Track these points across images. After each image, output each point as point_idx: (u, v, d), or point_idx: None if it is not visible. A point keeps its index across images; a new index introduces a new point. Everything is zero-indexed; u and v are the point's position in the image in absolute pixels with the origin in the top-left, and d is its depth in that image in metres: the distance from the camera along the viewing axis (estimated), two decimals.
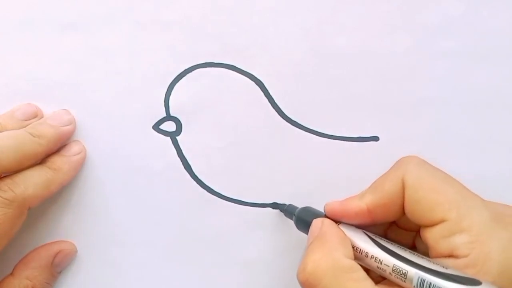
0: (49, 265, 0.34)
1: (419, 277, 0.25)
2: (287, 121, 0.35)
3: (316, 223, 0.30)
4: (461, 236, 0.26)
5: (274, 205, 0.36)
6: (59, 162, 0.34)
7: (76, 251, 0.36)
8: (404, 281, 0.26)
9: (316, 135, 0.36)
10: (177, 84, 0.35)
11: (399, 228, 0.31)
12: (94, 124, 0.35)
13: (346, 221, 0.30)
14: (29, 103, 0.35)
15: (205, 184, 0.36)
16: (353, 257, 0.27)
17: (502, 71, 0.35)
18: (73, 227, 0.36)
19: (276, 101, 0.35)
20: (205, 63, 0.35)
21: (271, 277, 0.36)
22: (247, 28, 0.35)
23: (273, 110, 0.35)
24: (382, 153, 0.36)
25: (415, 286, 0.25)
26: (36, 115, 0.34)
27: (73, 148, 0.34)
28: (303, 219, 0.32)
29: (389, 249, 0.27)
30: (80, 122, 0.35)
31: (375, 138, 0.36)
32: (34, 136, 0.32)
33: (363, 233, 0.29)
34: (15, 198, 0.31)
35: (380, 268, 0.27)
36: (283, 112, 0.35)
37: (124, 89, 0.35)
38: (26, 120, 0.34)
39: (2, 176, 0.31)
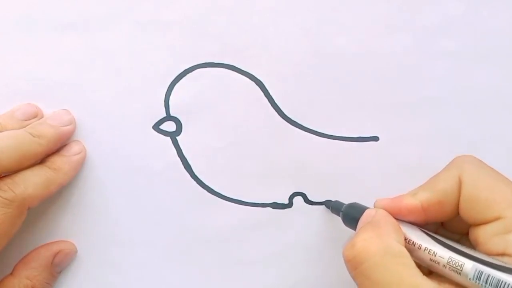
0: (49, 265, 0.34)
1: (476, 269, 0.25)
2: (287, 121, 0.35)
3: (370, 212, 0.30)
4: None
5: (274, 205, 0.36)
6: (59, 162, 0.34)
7: (76, 251, 0.36)
8: (460, 273, 0.26)
9: (316, 135, 0.36)
10: (177, 84, 0.35)
11: (445, 231, 0.31)
12: (94, 124, 0.35)
13: (398, 218, 0.29)
14: (29, 103, 0.35)
15: (205, 184, 0.36)
16: (404, 245, 0.27)
17: (502, 71, 0.35)
18: (73, 227, 0.36)
19: (276, 101, 0.35)
20: (205, 63, 0.35)
21: (271, 277, 0.36)
22: (247, 28, 0.35)
23: (273, 110, 0.35)
24: (382, 153, 0.36)
25: (471, 279, 0.25)
26: (36, 115, 0.34)
27: (73, 148, 0.34)
28: (351, 213, 0.31)
29: (444, 242, 0.27)
30: (80, 122, 0.35)
31: (375, 138, 0.36)
32: (34, 136, 0.32)
33: (417, 228, 0.29)
34: (15, 198, 0.31)
35: (434, 261, 0.27)
36: (283, 112, 0.35)
37: (124, 89, 0.35)
38: (26, 120, 0.34)
39: (2, 176, 0.31)
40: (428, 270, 0.28)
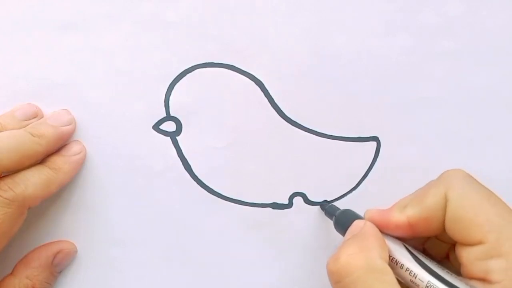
0: (49, 264, 0.34)
1: None
2: (287, 121, 0.35)
3: (358, 223, 0.30)
4: (498, 261, 0.25)
5: (274, 205, 0.36)
6: (59, 162, 0.34)
7: (76, 251, 0.36)
8: None
9: (316, 135, 0.36)
10: (177, 84, 0.35)
11: (436, 239, 0.31)
12: (94, 124, 0.35)
13: (385, 232, 0.29)
14: (29, 103, 0.35)
15: (205, 184, 0.36)
16: (388, 261, 0.27)
17: (502, 71, 0.35)
18: (73, 227, 0.36)
19: (276, 101, 0.35)
20: (205, 63, 0.35)
21: (271, 277, 0.37)
22: (247, 28, 0.35)
23: (273, 110, 0.35)
24: (382, 153, 0.36)
25: None
26: (36, 115, 0.34)
27: (73, 148, 0.34)
28: (343, 220, 0.31)
29: (426, 265, 0.27)
30: (80, 122, 0.35)
31: (375, 138, 0.36)
32: (34, 136, 0.32)
33: (402, 245, 0.29)
34: (15, 198, 0.31)
35: (413, 282, 0.27)
36: (283, 112, 0.35)
37: (124, 89, 0.35)
38: (26, 120, 0.34)
39: (2, 175, 0.31)
40: None
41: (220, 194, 0.36)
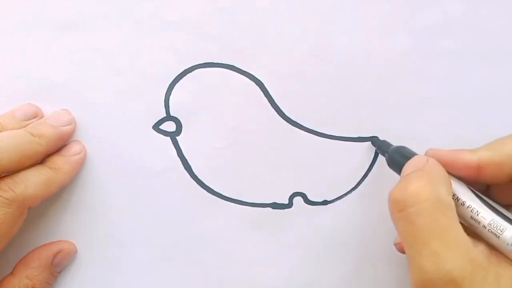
0: (49, 264, 0.34)
1: None
2: (287, 121, 0.35)
3: (420, 159, 0.29)
4: None
5: (274, 205, 0.36)
6: (59, 162, 0.34)
7: (76, 251, 0.36)
8: (499, 237, 0.26)
9: (316, 135, 0.36)
10: (177, 84, 0.35)
11: (499, 187, 0.30)
12: (94, 124, 0.35)
13: (450, 171, 0.29)
14: (29, 103, 0.35)
15: (205, 184, 0.36)
16: (452, 197, 0.27)
17: (502, 71, 0.35)
18: (73, 227, 0.36)
19: (276, 101, 0.35)
20: (205, 63, 0.35)
21: (271, 277, 0.36)
22: (247, 28, 0.35)
23: (273, 110, 0.35)
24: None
25: (509, 244, 0.25)
26: (36, 115, 0.34)
27: (73, 148, 0.34)
28: (398, 157, 0.31)
29: (489, 204, 0.27)
30: (80, 122, 0.35)
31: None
32: (34, 136, 0.32)
33: (463, 184, 0.28)
34: (16, 198, 0.31)
35: (475, 219, 0.27)
36: (283, 112, 0.35)
37: (124, 89, 0.35)
38: (26, 120, 0.34)
39: (1, 176, 0.31)
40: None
41: (220, 194, 0.36)
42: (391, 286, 0.36)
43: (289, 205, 0.36)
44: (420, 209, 0.26)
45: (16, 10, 0.34)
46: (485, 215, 0.26)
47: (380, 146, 0.34)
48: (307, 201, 0.36)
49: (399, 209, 0.27)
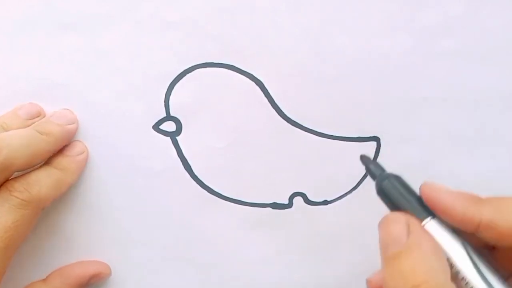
0: (83, 284, 0.35)
1: None
2: (287, 121, 0.35)
3: (399, 226, 0.25)
4: None
5: (274, 205, 0.36)
6: (65, 162, 0.33)
7: (110, 274, 0.36)
8: None
9: (316, 135, 0.36)
10: (177, 84, 0.35)
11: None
12: (94, 124, 0.35)
13: (441, 217, 0.25)
14: (31, 102, 0.35)
15: (205, 184, 0.36)
16: (450, 275, 0.23)
17: (502, 71, 0.35)
18: (74, 227, 0.36)
19: (276, 101, 0.35)
20: (205, 63, 0.35)
21: (271, 277, 0.37)
22: (247, 28, 0.35)
23: (273, 110, 0.35)
24: (382, 153, 0.36)
25: None
26: (39, 114, 0.34)
27: (76, 148, 0.34)
28: (384, 198, 0.27)
29: (485, 277, 0.24)
30: (81, 122, 0.35)
31: (375, 138, 0.36)
32: (42, 134, 0.32)
33: (461, 245, 0.25)
34: (32, 199, 0.30)
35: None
36: (283, 112, 0.35)
37: (124, 89, 0.35)
38: (30, 119, 0.34)
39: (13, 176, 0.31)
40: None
41: (220, 194, 0.36)
42: None
43: (289, 205, 0.36)
44: None
45: (16, 10, 0.34)
46: None
47: (371, 169, 0.29)
48: (307, 201, 0.36)
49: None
